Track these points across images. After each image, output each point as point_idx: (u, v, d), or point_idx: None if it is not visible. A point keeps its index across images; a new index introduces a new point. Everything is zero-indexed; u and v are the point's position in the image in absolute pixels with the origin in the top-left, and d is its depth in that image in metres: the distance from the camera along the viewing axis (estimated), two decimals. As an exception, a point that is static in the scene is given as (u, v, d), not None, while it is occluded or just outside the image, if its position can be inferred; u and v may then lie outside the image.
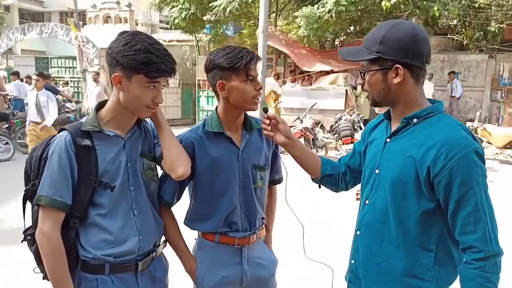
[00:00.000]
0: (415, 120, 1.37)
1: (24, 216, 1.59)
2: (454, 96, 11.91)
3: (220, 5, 11.48)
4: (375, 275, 1.44)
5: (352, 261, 1.53)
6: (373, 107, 1.54)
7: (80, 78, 15.13)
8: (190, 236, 1.86)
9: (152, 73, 1.39)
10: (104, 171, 1.46)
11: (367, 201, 1.47)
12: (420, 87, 1.39)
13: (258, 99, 1.66)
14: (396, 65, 1.33)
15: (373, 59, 1.37)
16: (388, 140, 1.43)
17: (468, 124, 9.12)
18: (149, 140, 1.62)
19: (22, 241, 1.58)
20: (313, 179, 1.71)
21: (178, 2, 12.41)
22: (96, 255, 1.46)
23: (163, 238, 1.72)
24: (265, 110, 1.65)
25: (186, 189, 1.81)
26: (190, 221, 1.80)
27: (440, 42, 13.32)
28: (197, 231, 1.82)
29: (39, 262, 1.47)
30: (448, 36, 13.20)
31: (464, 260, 1.27)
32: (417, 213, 1.33)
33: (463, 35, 12.59)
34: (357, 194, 2.98)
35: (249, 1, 11.30)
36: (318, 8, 10.34)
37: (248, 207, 1.75)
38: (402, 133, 1.39)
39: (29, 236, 1.52)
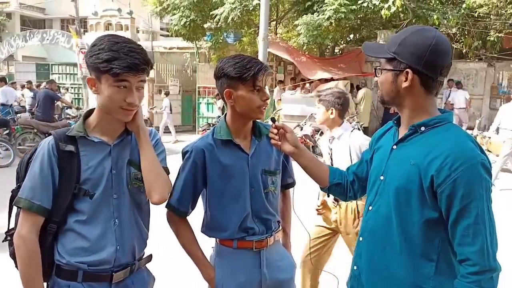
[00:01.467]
0: (423, 128, 1.36)
1: (9, 217, 1.57)
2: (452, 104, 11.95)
3: (221, 13, 11.57)
4: (377, 282, 1.43)
5: (355, 267, 1.52)
6: (385, 107, 1.56)
7: (81, 84, 15.19)
8: (207, 244, 1.87)
9: (114, 70, 1.33)
10: (86, 178, 1.44)
11: (370, 207, 1.46)
12: (432, 97, 1.38)
13: (264, 109, 1.67)
14: (407, 70, 1.33)
15: (389, 59, 1.37)
16: (394, 147, 1.43)
17: (468, 132, 9.15)
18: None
19: (3, 241, 1.57)
20: (321, 188, 1.71)
21: (179, 9, 12.49)
22: (69, 261, 1.44)
23: (148, 252, 1.67)
24: (273, 120, 1.66)
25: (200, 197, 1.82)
26: (207, 229, 1.80)
27: (439, 51, 13.38)
28: (214, 239, 1.83)
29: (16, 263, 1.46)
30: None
31: (460, 273, 1.26)
32: (420, 222, 1.32)
33: (462, 43, 12.65)
34: (317, 210, 2.98)
35: (250, 9, 11.37)
36: (318, 16, 10.43)
37: (260, 212, 1.76)
38: (409, 141, 1.39)
39: (9, 237, 1.51)
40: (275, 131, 1.61)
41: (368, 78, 13.74)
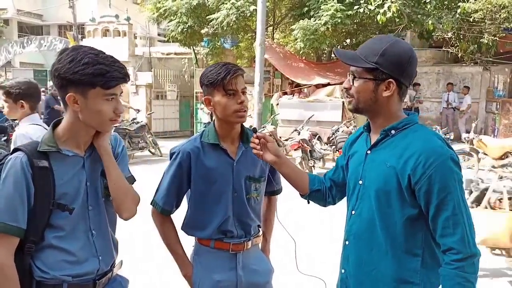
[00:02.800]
0: (393, 132, 1.44)
1: None
2: (450, 107, 12.05)
3: (217, 18, 11.63)
4: (366, 284, 1.47)
5: (343, 271, 1.56)
6: (353, 114, 1.59)
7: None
8: (188, 243, 1.93)
9: (108, 83, 1.34)
10: (62, 193, 1.40)
11: (353, 212, 1.51)
12: (401, 104, 1.48)
13: (241, 112, 1.69)
14: (389, 80, 1.40)
15: (369, 68, 1.41)
16: (368, 152, 1.49)
17: (464, 135, 9.19)
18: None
19: None
20: (301, 195, 1.73)
21: (176, 15, 12.54)
22: (54, 275, 1.41)
23: (118, 259, 1.68)
24: (254, 130, 1.71)
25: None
26: (187, 228, 1.86)
27: (435, 55, 13.50)
28: (194, 238, 1.89)
29: None
30: (443, 48, 13.37)
31: (444, 260, 1.34)
32: (402, 220, 1.39)
33: (458, 47, 12.76)
34: None
35: (247, 15, 11.44)
36: (314, 21, 10.50)
37: (241, 216, 1.81)
38: (382, 145, 1.46)
39: None
40: (256, 141, 1.64)
41: (365, 82, 13.82)
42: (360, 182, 1.49)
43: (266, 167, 1.88)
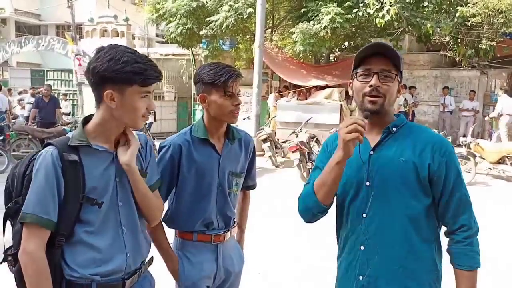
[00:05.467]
0: (394, 129, 1.48)
1: (4, 235, 1.51)
2: (446, 111, 12.10)
3: (216, 20, 11.64)
4: (395, 283, 1.46)
5: (360, 278, 1.49)
6: (365, 117, 1.46)
7: (75, 91, 15.16)
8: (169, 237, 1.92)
9: (146, 81, 1.39)
10: (92, 187, 1.41)
11: (364, 215, 1.46)
12: None
13: (236, 113, 1.81)
14: (401, 83, 1.50)
15: (398, 70, 1.47)
16: (371, 152, 1.47)
17: (461, 139, 9.22)
18: (139, 156, 1.57)
19: (1, 263, 1.49)
20: (326, 205, 1.49)
21: (175, 17, 12.55)
22: (83, 274, 1.40)
23: (149, 256, 1.67)
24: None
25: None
26: (169, 220, 1.89)
27: (432, 58, 13.56)
28: (174, 234, 1.92)
29: (20, 283, 1.39)
30: (441, 52, 13.43)
31: (454, 240, 1.45)
32: (424, 210, 1.45)
33: (455, 51, 12.82)
34: None
35: (245, 17, 11.46)
36: (314, 25, 10.53)
37: (223, 209, 1.89)
38: (385, 143, 1.47)
39: (10, 256, 1.43)
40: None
41: (363, 85, 13.86)
42: (367, 183, 1.45)
43: (246, 164, 1.98)
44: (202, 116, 1.87)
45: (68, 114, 11.52)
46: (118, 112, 1.41)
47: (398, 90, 1.48)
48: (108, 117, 1.43)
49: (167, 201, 1.87)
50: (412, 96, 12.70)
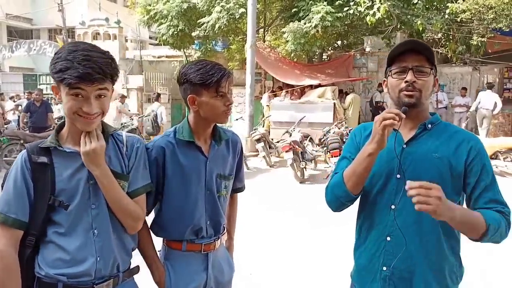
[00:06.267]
0: (430, 126, 1.52)
1: None
2: (440, 107, 12.16)
3: (208, 22, 11.62)
4: (418, 275, 1.49)
5: (384, 268, 1.52)
6: (403, 112, 1.39)
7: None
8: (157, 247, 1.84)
9: (66, 80, 1.32)
10: (61, 189, 1.41)
11: (393, 206, 1.49)
12: None
13: (228, 113, 1.72)
14: (436, 77, 1.53)
15: (433, 64, 1.49)
16: (404, 146, 1.50)
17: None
18: (118, 158, 1.53)
19: None
20: (355, 195, 1.54)
21: (166, 19, 12.52)
22: (48, 273, 1.42)
23: (134, 263, 1.63)
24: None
25: None
26: (158, 228, 1.79)
27: (425, 55, 13.57)
28: (162, 242, 1.82)
29: None
30: (433, 49, 13.48)
31: (490, 209, 1.45)
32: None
33: (447, 48, 12.87)
34: None
35: (237, 17, 11.45)
36: (305, 24, 10.54)
37: (213, 214, 1.79)
38: (420, 138, 1.51)
39: None
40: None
41: (356, 83, 13.89)
42: (398, 176, 1.48)
43: (234, 165, 1.88)
44: (187, 117, 1.78)
45: (61, 118, 11.43)
46: (63, 109, 1.42)
47: (433, 84, 1.52)
48: (66, 119, 1.44)
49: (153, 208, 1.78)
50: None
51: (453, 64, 13.08)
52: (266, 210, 5.75)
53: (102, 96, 1.40)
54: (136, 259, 1.69)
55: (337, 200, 1.56)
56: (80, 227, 1.44)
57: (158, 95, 10.44)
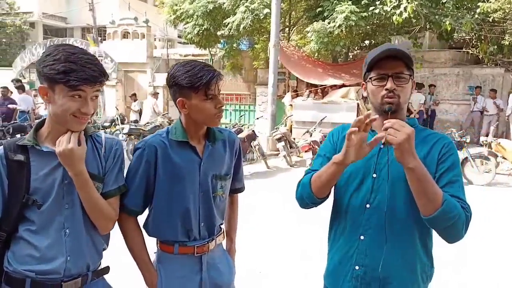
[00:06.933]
0: None
1: None
2: (477, 110, 11.74)
3: (233, 22, 11.70)
4: (393, 274, 1.50)
5: (356, 267, 1.52)
6: (387, 110, 1.46)
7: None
8: (152, 248, 1.83)
9: (71, 82, 1.33)
10: (35, 187, 1.42)
11: (368, 205, 1.50)
12: None
13: (219, 116, 1.67)
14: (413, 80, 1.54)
15: (411, 69, 1.51)
16: (382, 146, 1.50)
17: (482, 138, 8.95)
18: (96, 159, 1.54)
19: None
20: (319, 198, 1.56)
21: (191, 18, 12.69)
22: (16, 268, 1.44)
23: (104, 264, 1.63)
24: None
25: None
26: (150, 228, 1.76)
27: (454, 56, 13.20)
28: (156, 244, 1.79)
29: None
30: (464, 49, 13.06)
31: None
32: None
33: (478, 49, 12.45)
34: None
35: (261, 18, 11.47)
36: (329, 23, 10.44)
37: (207, 216, 1.75)
38: None
39: None
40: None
41: (382, 84, 13.62)
42: (374, 175, 1.49)
43: (232, 164, 1.83)
44: (180, 118, 1.73)
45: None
46: (51, 109, 1.41)
47: (411, 86, 1.53)
48: (49, 115, 1.44)
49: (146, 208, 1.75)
50: (432, 94, 12.42)
51: (484, 66, 12.63)
52: (284, 210, 5.74)
53: (95, 97, 1.43)
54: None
55: (302, 200, 1.60)
56: (52, 226, 1.45)
57: None
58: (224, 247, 1.96)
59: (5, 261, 1.47)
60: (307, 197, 1.55)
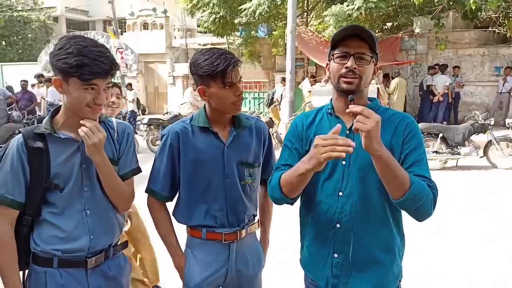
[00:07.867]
0: None
1: None
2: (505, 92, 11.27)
3: (249, 8, 11.60)
4: (369, 259, 1.51)
5: (335, 255, 1.52)
6: (349, 100, 1.38)
7: (119, 82, 15.79)
8: (182, 235, 1.88)
9: (84, 76, 1.39)
10: (56, 173, 1.51)
11: (341, 193, 1.50)
12: None
13: (238, 104, 1.68)
14: (376, 65, 1.51)
15: (374, 52, 1.47)
16: (347, 132, 1.49)
17: (508, 120, 8.62)
18: (110, 143, 1.62)
19: None
20: (292, 199, 1.55)
21: (208, 6, 12.66)
22: (44, 248, 1.53)
23: (122, 239, 1.72)
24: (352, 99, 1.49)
25: None
26: (177, 213, 1.81)
27: (479, 36, 12.70)
28: (185, 228, 1.83)
29: None
30: (490, 29, 12.54)
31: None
32: None
33: (506, 27, 11.92)
34: None
35: (278, 3, 11.33)
36: (347, 6, 10.21)
37: (235, 203, 1.74)
38: None
39: None
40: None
41: (403, 67, 13.30)
42: (343, 162, 1.49)
43: (260, 152, 1.82)
44: (204, 105, 1.77)
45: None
46: (66, 100, 1.48)
47: (373, 72, 1.50)
48: (66, 105, 1.50)
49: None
50: (457, 76, 12.02)
51: (511, 44, 12.11)
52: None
53: (107, 89, 1.50)
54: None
55: (276, 200, 1.59)
56: (74, 208, 1.55)
57: None
58: (258, 237, 1.95)
59: (31, 242, 1.56)
60: (280, 199, 1.54)
